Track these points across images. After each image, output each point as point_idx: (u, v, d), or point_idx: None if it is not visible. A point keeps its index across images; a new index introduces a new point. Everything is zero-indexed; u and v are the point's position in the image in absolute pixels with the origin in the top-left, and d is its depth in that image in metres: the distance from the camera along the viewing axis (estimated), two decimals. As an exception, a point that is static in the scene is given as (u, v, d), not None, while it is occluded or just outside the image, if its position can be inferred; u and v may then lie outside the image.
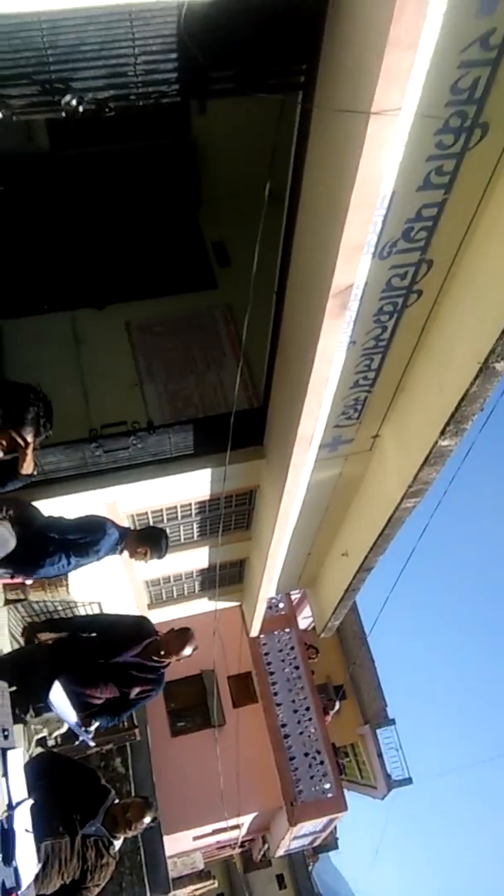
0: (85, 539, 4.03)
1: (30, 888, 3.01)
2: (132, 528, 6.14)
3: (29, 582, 5.78)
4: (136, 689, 4.12)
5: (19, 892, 2.81)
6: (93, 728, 4.10)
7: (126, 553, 4.29)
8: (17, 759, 3.20)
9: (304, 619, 13.87)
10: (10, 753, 3.10)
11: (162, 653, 4.13)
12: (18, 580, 5.08)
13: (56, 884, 3.55)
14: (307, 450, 5.37)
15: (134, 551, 4.26)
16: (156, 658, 4.14)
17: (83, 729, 3.98)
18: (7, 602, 6.02)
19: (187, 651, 4.18)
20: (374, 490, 6.71)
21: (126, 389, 6.28)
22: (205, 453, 6.08)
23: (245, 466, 6.51)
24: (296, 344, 4.72)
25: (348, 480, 6.83)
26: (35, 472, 3.36)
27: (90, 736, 4.10)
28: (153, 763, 9.56)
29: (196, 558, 8.85)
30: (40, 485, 5.45)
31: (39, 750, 5.18)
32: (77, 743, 4.14)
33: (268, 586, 8.67)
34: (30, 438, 3.05)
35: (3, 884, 2.71)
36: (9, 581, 4.56)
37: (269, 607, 11.93)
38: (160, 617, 9.57)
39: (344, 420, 5.72)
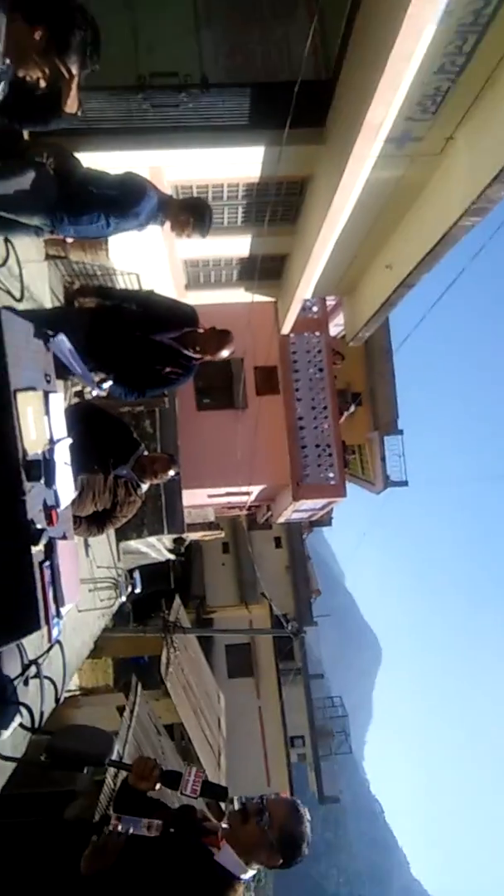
0: (126, 199, 3.74)
1: (67, 509, 3.52)
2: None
3: (69, 240, 5.68)
4: (167, 370, 4.14)
5: (59, 510, 3.27)
6: (105, 386, 4.14)
7: (168, 224, 4.07)
8: (58, 403, 3.51)
9: (336, 327, 14.00)
10: (51, 396, 3.38)
11: (197, 348, 4.05)
12: (59, 236, 4.91)
13: (90, 509, 4.13)
14: (372, 140, 4.88)
15: (176, 220, 3.99)
16: (191, 350, 4.08)
17: (95, 382, 4.03)
18: (48, 257, 6.00)
19: (224, 353, 4.07)
20: (434, 201, 6.23)
21: (181, 34, 5.48)
22: (260, 127, 5.54)
23: (301, 151, 5.98)
24: (381, 7, 3.99)
25: (408, 186, 6.31)
26: (79, 113, 3.04)
27: (102, 392, 4.17)
28: (179, 429, 10.51)
29: (237, 246, 8.63)
30: (82, 134, 5.05)
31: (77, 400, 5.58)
32: (92, 393, 4.20)
33: (305, 287, 8.58)
34: (74, 69, 2.72)
35: (45, 501, 3.14)
36: (49, 237, 4.42)
37: (303, 309, 11.97)
38: (195, 300, 9.64)
39: (419, 112, 5.09)
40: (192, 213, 3.98)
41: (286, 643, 21.71)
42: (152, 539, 11.94)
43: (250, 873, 2.28)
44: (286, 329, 11.67)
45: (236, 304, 10.27)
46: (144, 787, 2.44)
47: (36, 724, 3.39)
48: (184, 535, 14.35)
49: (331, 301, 13.24)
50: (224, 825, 2.35)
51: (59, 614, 2.88)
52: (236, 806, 2.41)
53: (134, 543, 11.14)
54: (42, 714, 3.43)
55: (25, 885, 2.25)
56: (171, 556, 15.15)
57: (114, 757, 2.67)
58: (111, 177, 3.84)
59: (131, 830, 2.25)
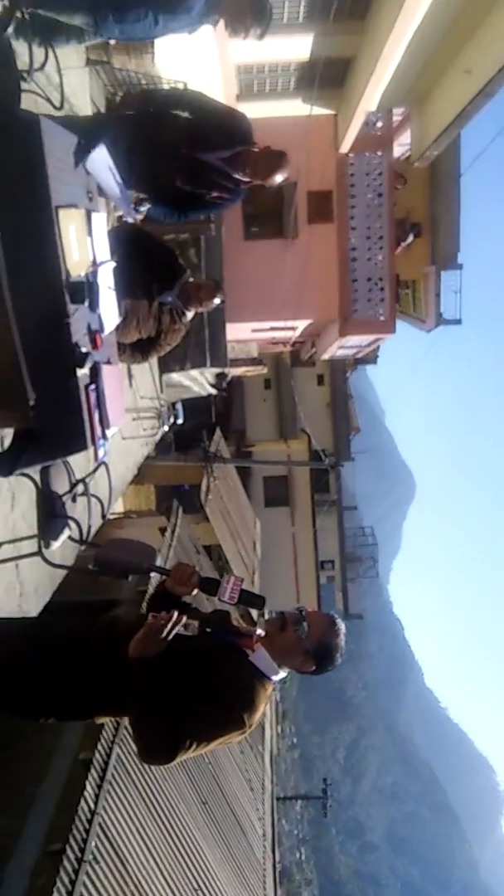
0: None
1: (111, 334, 3.46)
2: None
3: (112, 42, 5.17)
4: (213, 193, 3.78)
5: (103, 335, 3.22)
6: (143, 209, 3.90)
7: (221, 23, 3.57)
8: (101, 223, 3.33)
9: (399, 147, 12.82)
10: (94, 216, 3.20)
11: (248, 171, 3.66)
12: (102, 39, 4.40)
13: (134, 336, 4.08)
14: None
15: (232, 17, 3.53)
16: (241, 173, 3.68)
17: (131, 206, 3.77)
18: (89, 62, 5.50)
19: (277, 178, 3.67)
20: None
21: None
22: None
23: None
24: None
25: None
26: None
27: (139, 214, 3.93)
28: (224, 259, 10.13)
29: (297, 47, 7.76)
30: None
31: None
32: (128, 218, 3.93)
33: (371, 95, 7.76)
34: None
35: (90, 325, 3.08)
36: (92, 42, 3.97)
37: (366, 124, 10.89)
38: (248, 112, 8.85)
39: None
40: (249, 7, 3.48)
41: (322, 476, 22.38)
42: (195, 372, 11.99)
43: (281, 675, 2.36)
44: (345, 147, 10.73)
45: (292, 117, 9.40)
46: (182, 591, 2.44)
47: (84, 538, 3.58)
48: (226, 370, 14.36)
49: (397, 116, 12.01)
50: (260, 631, 2.39)
51: (104, 436, 2.93)
52: (272, 615, 2.49)
53: (176, 376, 11.21)
54: (90, 528, 3.62)
55: (74, 677, 2.40)
56: (213, 391, 15.30)
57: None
58: None
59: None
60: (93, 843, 3.94)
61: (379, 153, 11.81)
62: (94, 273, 3.14)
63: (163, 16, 3.41)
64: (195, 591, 2.42)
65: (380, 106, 8.98)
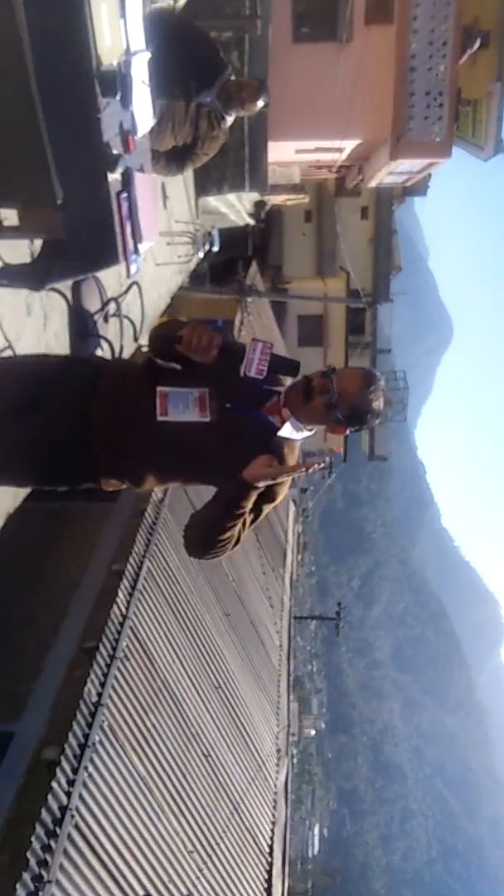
0: None
1: (145, 138, 3.17)
2: None
3: None
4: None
5: (136, 137, 2.94)
6: None
7: None
8: (136, 5, 2.94)
9: None
10: (127, -2, 2.81)
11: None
12: None
13: (169, 143, 3.75)
14: None
15: None
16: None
17: None
18: None
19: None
20: None
21: None
22: None
23: None
24: None
25: None
26: None
27: None
28: (270, 65, 9.13)
29: None
30: None
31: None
32: None
33: None
34: None
35: (122, 124, 2.80)
36: None
37: None
38: None
39: None
40: None
41: (358, 317, 21.80)
42: (232, 197, 11.28)
43: (306, 434, 2.10)
44: None
45: None
46: (198, 359, 2.01)
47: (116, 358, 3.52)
48: (265, 198, 13.51)
49: None
50: (284, 392, 2.08)
51: (136, 251, 2.76)
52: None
53: (213, 201, 10.58)
54: (122, 349, 3.55)
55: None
56: (251, 221, 14.52)
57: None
58: None
59: (181, 416, 1.98)
60: (124, 643, 4.28)
61: None
62: (128, 63, 2.81)
63: None
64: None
65: None
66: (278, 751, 7.38)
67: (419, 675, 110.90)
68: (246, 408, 2.04)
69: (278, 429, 2.02)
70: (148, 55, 3.00)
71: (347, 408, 1.99)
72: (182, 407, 1.96)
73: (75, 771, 3.44)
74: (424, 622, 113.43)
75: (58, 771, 3.37)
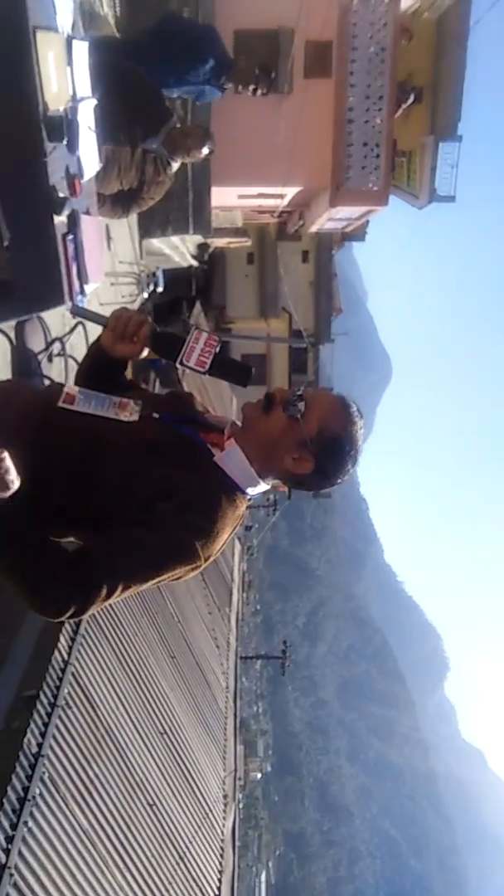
0: None
1: (91, 182, 3.21)
2: None
3: None
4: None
5: (82, 181, 2.98)
6: None
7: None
8: (82, 53, 3.00)
9: (407, -3, 11.70)
10: (75, 43, 2.88)
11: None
12: None
13: (115, 187, 3.79)
14: None
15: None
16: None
17: None
18: None
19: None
20: None
21: None
22: None
23: None
24: None
25: None
26: None
27: None
28: (212, 114, 9.37)
29: None
30: None
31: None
32: None
33: None
34: None
35: (68, 168, 2.84)
36: None
37: (374, -35, 9.86)
38: None
39: None
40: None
41: (300, 357, 22.18)
42: (176, 240, 11.44)
43: (260, 488, 1.60)
44: (349, -9, 9.77)
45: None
46: (125, 351, 1.66)
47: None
48: (208, 240, 13.75)
49: (407, -41, 10.88)
50: (233, 420, 1.68)
51: (82, 291, 2.77)
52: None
53: (157, 242, 10.70)
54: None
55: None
56: (194, 263, 14.73)
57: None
58: None
59: (93, 410, 1.57)
60: (65, 690, 4.14)
61: (386, 1, 10.75)
62: (74, 109, 2.86)
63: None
64: (145, 352, 1.66)
65: None
66: (225, 796, 7.21)
67: (364, 712, 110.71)
68: (177, 422, 1.62)
69: (214, 454, 1.58)
70: (94, 102, 3.07)
71: (317, 423, 1.54)
72: (95, 403, 1.59)
73: (14, 827, 3.28)
74: (369, 658, 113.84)
75: (-5, 828, 3.21)
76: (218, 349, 1.56)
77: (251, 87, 4.03)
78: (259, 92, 4.02)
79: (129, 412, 1.57)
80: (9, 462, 1.29)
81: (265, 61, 4.02)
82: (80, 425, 1.55)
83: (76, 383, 1.71)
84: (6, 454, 1.29)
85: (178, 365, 1.56)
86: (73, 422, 1.56)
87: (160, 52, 4.37)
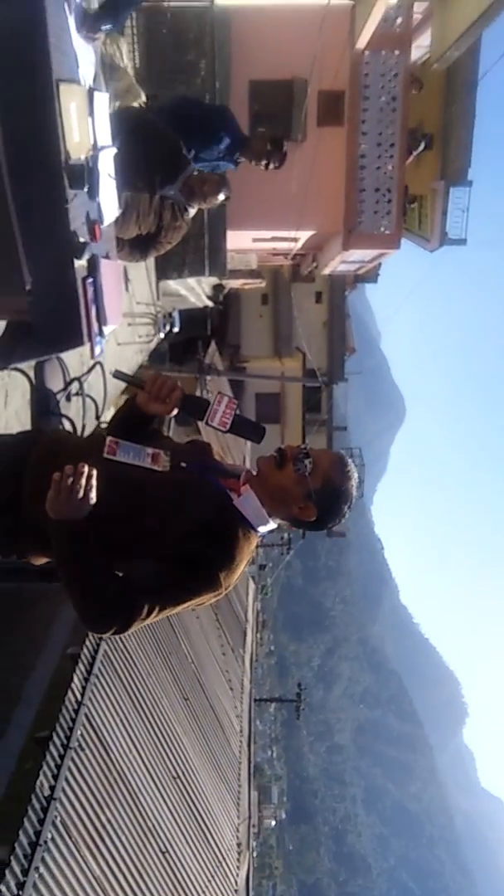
0: None
1: (111, 227, 3.30)
2: None
3: None
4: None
5: (102, 226, 3.06)
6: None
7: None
8: (103, 104, 3.12)
9: (418, 49, 12.04)
10: (96, 95, 3.00)
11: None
12: None
13: (133, 232, 3.90)
14: None
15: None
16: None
17: None
18: None
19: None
20: None
21: None
22: None
23: None
24: None
25: None
26: None
27: None
28: (228, 160, 9.64)
29: None
30: None
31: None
32: None
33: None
34: None
35: (88, 214, 2.93)
36: None
37: (384, 20, 10.18)
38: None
39: None
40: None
41: (314, 396, 22.29)
42: (192, 281, 11.65)
43: (270, 526, 1.93)
44: (362, 43, 10.06)
45: (307, 6, 8.75)
46: (157, 409, 1.93)
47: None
48: (224, 282, 13.97)
49: (417, 13, 11.23)
50: (250, 469, 1.99)
51: (101, 333, 2.83)
52: None
53: (173, 284, 10.90)
54: (84, 427, 3.57)
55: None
56: (210, 303, 14.94)
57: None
58: None
59: (131, 460, 1.85)
60: (78, 732, 4.10)
61: (396, 52, 11.08)
62: (95, 158, 2.97)
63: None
64: (175, 411, 1.93)
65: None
66: (239, 844, 7.02)
67: (381, 758, 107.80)
68: (202, 470, 1.94)
69: (233, 498, 1.88)
70: (114, 150, 3.18)
71: (321, 480, 1.86)
72: (133, 454, 1.86)
73: (25, 872, 3.22)
74: (385, 703, 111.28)
75: (6, 873, 3.15)
76: (238, 411, 1.88)
77: (263, 163, 4.20)
78: (271, 166, 4.19)
79: (162, 464, 1.87)
80: (95, 480, 1.65)
81: (277, 137, 4.23)
82: (123, 476, 1.83)
83: (109, 430, 2.01)
84: (95, 471, 1.65)
85: (203, 424, 1.85)
86: (116, 469, 1.82)
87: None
